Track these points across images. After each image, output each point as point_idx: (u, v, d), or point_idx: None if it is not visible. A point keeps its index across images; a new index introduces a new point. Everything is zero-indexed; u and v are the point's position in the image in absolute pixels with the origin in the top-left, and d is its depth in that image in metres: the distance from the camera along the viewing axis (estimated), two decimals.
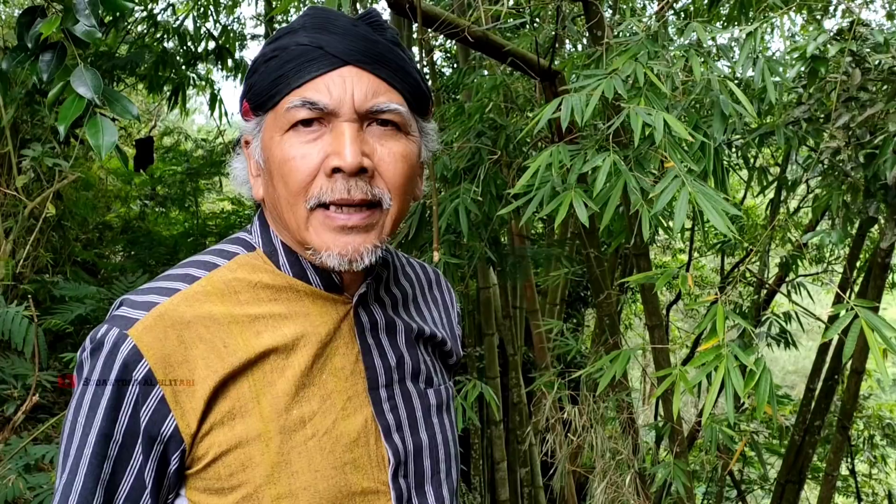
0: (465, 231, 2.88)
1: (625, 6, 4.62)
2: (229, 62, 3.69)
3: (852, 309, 1.83)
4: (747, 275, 5.25)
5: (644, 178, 2.27)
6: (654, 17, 2.87)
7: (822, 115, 2.90)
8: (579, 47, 4.99)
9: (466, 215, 2.89)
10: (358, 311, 1.12)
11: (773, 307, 5.84)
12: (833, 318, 1.97)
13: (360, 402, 1.08)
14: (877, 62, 2.57)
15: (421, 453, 1.14)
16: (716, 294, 2.18)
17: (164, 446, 0.98)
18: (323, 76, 1.00)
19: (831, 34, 2.63)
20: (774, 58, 2.76)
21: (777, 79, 2.58)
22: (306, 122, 1.01)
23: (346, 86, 1.01)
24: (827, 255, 6.65)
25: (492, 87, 3.52)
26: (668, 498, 5.40)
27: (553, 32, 3.24)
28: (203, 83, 3.97)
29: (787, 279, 5.26)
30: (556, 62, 3.16)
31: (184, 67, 3.52)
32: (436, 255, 2.61)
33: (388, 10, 3.53)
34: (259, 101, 1.04)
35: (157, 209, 7.00)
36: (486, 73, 4.16)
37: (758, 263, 5.37)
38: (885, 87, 2.57)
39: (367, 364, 1.10)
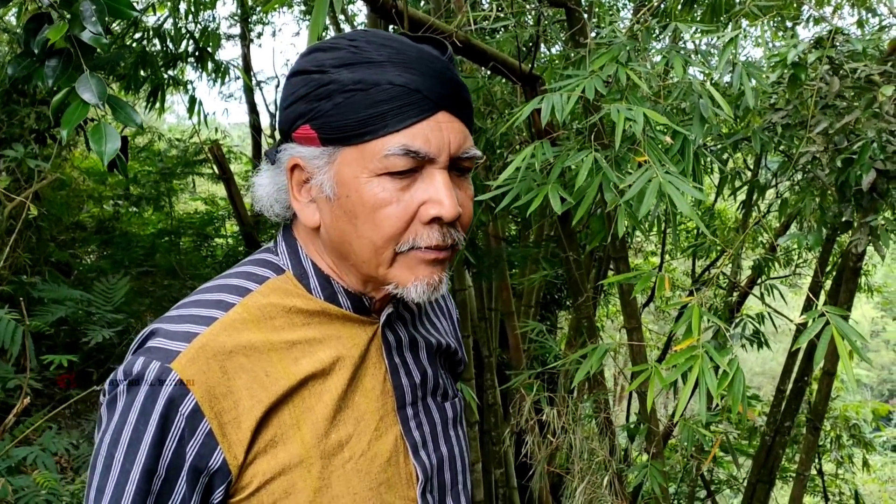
0: None
1: (600, 11, 4.67)
2: (209, 65, 3.67)
3: (823, 315, 1.88)
4: (720, 277, 5.32)
5: (622, 177, 2.31)
6: (634, 19, 2.91)
7: (797, 122, 2.95)
8: (555, 51, 5.04)
9: None
10: (384, 331, 1.12)
11: (744, 309, 5.93)
12: (805, 324, 2.01)
13: (390, 422, 1.10)
14: (853, 70, 2.63)
15: (443, 467, 1.16)
16: (691, 295, 2.22)
17: (210, 479, 0.98)
18: (421, 122, 0.99)
19: (811, 42, 2.68)
20: (752, 63, 2.82)
21: (754, 83, 2.64)
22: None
23: (444, 133, 1.00)
24: (796, 258, 6.77)
25: (473, 91, 3.55)
26: (641, 499, 5.45)
27: (534, 36, 3.27)
28: (182, 85, 3.94)
29: (758, 281, 5.34)
30: (535, 66, 3.19)
31: (162, 68, 3.50)
32: None
33: (368, 8, 3.53)
34: (339, 134, 1.00)
35: (130, 209, 6.94)
36: (465, 77, 4.19)
37: (730, 266, 5.45)
38: (860, 94, 2.63)
39: (394, 383, 1.12)
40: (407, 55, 1.00)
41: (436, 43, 1.07)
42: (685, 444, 3.27)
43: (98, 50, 1.82)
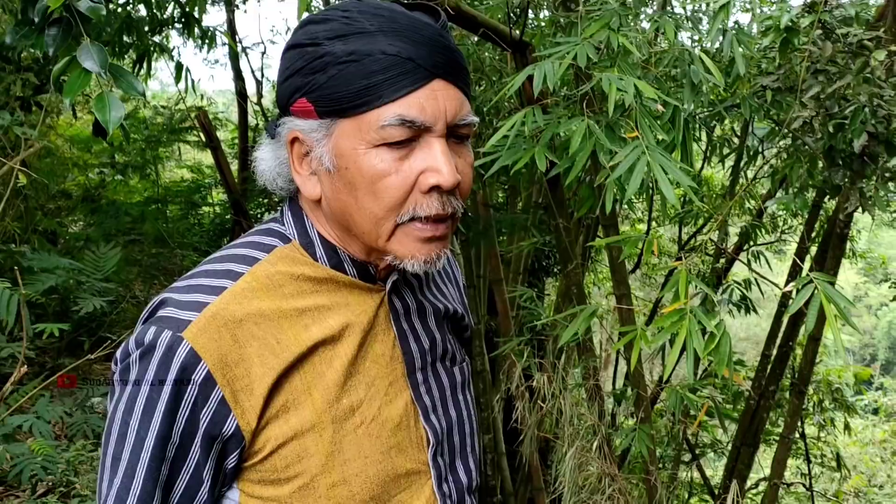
0: None
1: None
2: (196, 30, 3.62)
3: (811, 282, 1.92)
4: (708, 243, 5.36)
5: (616, 143, 2.32)
6: None
7: (787, 87, 2.96)
8: (542, 17, 5.00)
9: None
10: (392, 297, 1.15)
11: (730, 276, 5.97)
12: (794, 291, 2.05)
13: (400, 387, 1.12)
14: (844, 35, 2.63)
15: (452, 431, 1.19)
16: (679, 261, 2.24)
17: (224, 444, 1.01)
18: (416, 91, 0.99)
19: (804, 6, 2.68)
20: (742, 30, 2.81)
21: (743, 50, 2.64)
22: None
23: (439, 102, 1.01)
24: (781, 224, 6.82)
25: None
26: (628, 464, 5.53)
27: (524, 2, 3.25)
28: (167, 51, 3.89)
29: (745, 248, 5.37)
30: (525, 33, 3.18)
31: (149, 34, 3.45)
32: None
33: None
34: (335, 106, 1.01)
35: (116, 177, 6.88)
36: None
37: (717, 232, 5.49)
38: (852, 59, 2.64)
39: (403, 349, 1.14)
40: (398, 23, 1.00)
41: (429, 10, 1.07)
42: (672, 408, 3.31)
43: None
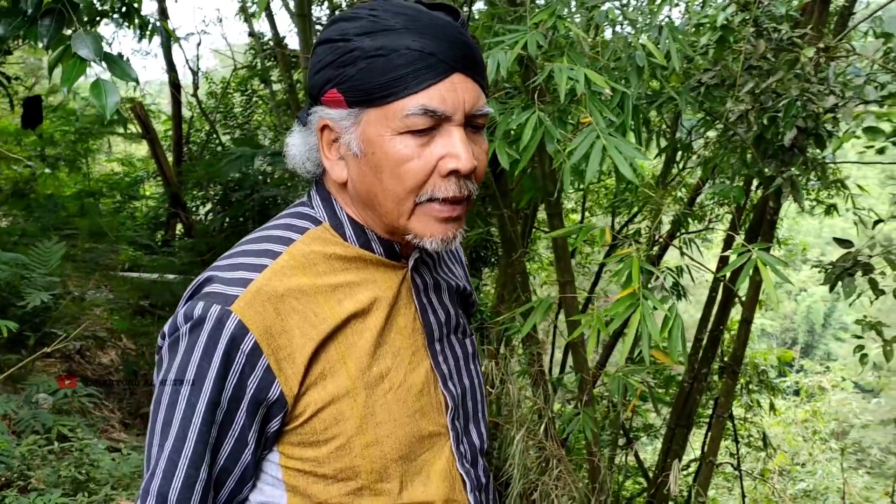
0: None
1: None
2: (136, 20, 3.55)
3: (749, 251, 2.05)
4: (642, 231, 5.51)
5: (566, 134, 2.39)
6: None
7: (722, 82, 3.08)
8: (476, 9, 5.05)
9: None
10: (413, 274, 1.24)
11: (663, 263, 6.14)
12: (726, 260, 2.19)
13: (421, 356, 1.22)
14: (776, 31, 2.76)
15: (466, 397, 1.29)
16: (612, 250, 2.33)
17: (268, 409, 1.09)
18: (437, 84, 1.08)
19: (738, 4, 2.80)
20: (676, 26, 2.92)
21: (677, 45, 2.74)
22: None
23: (458, 93, 1.10)
24: (709, 213, 7.03)
25: None
26: (568, 448, 5.64)
27: None
28: (107, 42, 3.80)
29: (677, 235, 5.54)
30: (468, 25, 3.22)
31: (88, 24, 3.37)
32: None
33: None
34: (363, 97, 1.09)
35: (46, 170, 6.68)
36: None
37: (650, 221, 5.64)
38: (783, 55, 2.76)
39: (424, 321, 1.24)
40: (422, 22, 1.10)
41: (448, 9, 1.16)
42: (614, 393, 3.42)
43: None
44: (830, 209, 5.01)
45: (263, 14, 7.80)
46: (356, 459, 1.12)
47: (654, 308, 2.12)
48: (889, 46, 2.66)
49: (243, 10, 8.32)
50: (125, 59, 3.58)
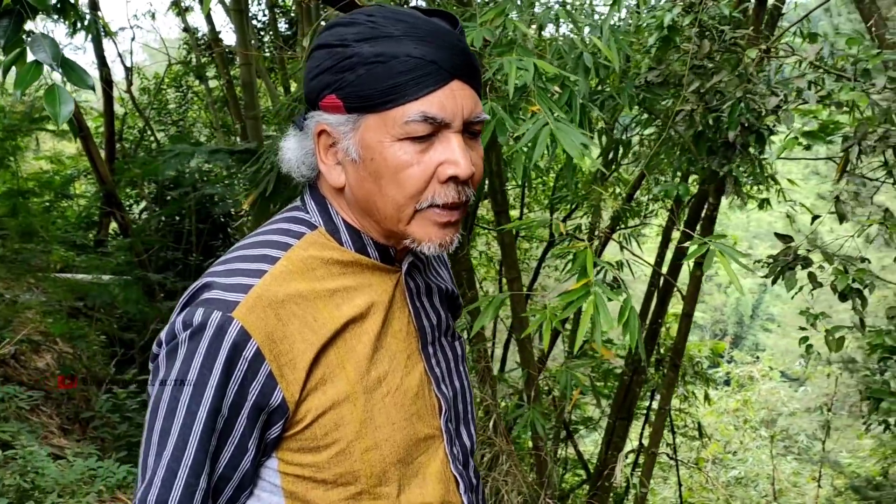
0: None
1: None
2: (72, 15, 3.43)
3: (706, 243, 2.12)
4: (583, 226, 5.59)
5: (516, 126, 2.42)
6: None
7: (665, 80, 3.15)
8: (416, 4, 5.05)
9: None
10: (406, 278, 1.25)
11: (602, 258, 6.23)
12: (664, 254, 2.25)
13: (416, 359, 1.23)
14: (719, 31, 2.83)
15: (457, 399, 1.30)
16: (551, 246, 2.38)
17: (269, 416, 1.09)
18: (437, 91, 1.09)
19: (683, 5, 2.87)
20: (618, 27, 2.98)
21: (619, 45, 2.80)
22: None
23: (457, 101, 1.11)
24: (645, 209, 7.17)
25: None
26: (520, 439, 5.68)
27: None
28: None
29: (616, 230, 5.63)
30: None
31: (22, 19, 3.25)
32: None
33: None
34: (363, 103, 1.09)
35: None
36: None
37: (590, 216, 5.72)
38: (725, 55, 2.84)
39: (417, 325, 1.25)
40: (421, 29, 1.10)
41: (446, 16, 1.17)
42: (562, 387, 3.46)
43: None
44: (763, 203, 5.15)
45: (197, 8, 7.67)
46: (356, 464, 1.12)
47: (609, 299, 2.16)
48: (833, 48, 2.76)
49: (176, 4, 8.15)
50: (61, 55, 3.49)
